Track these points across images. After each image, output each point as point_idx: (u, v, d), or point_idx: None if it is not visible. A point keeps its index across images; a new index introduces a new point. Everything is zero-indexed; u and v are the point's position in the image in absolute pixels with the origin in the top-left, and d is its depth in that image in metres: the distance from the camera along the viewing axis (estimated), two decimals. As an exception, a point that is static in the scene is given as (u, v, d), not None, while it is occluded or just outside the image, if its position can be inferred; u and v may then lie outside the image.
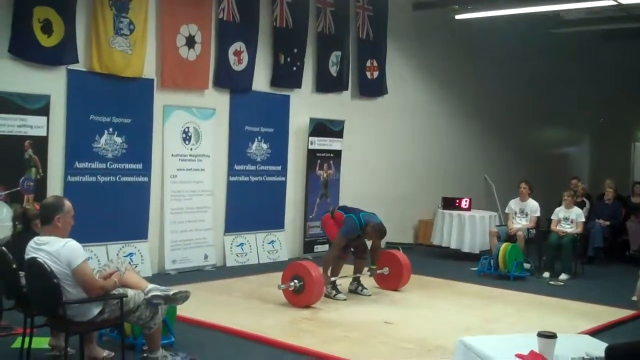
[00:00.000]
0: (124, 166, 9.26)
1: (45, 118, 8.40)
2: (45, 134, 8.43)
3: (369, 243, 8.79)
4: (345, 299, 8.32)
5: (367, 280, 8.93)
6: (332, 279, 8.35)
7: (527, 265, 10.59)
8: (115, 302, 5.14)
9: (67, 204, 5.21)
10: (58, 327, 5.33)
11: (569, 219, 10.85)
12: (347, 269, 8.81)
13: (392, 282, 9.05)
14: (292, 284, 7.80)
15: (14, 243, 5.70)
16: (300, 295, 7.81)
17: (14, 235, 5.96)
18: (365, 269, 8.81)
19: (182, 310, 6.31)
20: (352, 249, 8.70)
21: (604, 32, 15.08)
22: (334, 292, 8.34)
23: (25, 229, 5.84)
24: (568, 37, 14.96)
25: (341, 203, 11.76)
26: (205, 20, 10.05)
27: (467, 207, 12.40)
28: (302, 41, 11.35)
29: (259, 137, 10.94)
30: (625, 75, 17.82)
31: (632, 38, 15.73)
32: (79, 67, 8.78)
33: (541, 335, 4.37)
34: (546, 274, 10.52)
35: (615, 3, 11.20)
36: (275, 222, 11.22)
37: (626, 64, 17.64)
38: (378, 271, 8.91)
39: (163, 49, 9.62)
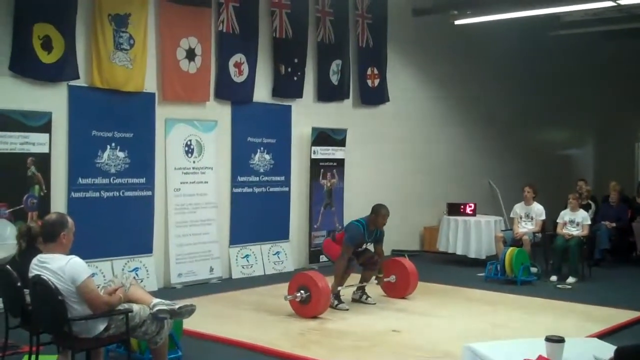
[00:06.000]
0: (127, 181, 9.26)
1: (47, 135, 8.41)
2: (47, 151, 8.44)
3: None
4: (347, 309, 8.28)
5: (373, 288, 8.90)
6: (338, 288, 8.32)
7: (534, 270, 10.52)
8: (120, 317, 5.11)
9: (70, 220, 5.22)
10: (64, 344, 5.30)
11: (575, 221, 10.81)
12: (354, 278, 8.79)
13: (399, 289, 9.01)
14: (299, 294, 7.78)
15: (19, 261, 5.69)
16: (307, 306, 7.79)
17: (19, 253, 5.95)
18: (372, 277, 8.79)
19: (189, 324, 6.29)
20: (360, 264, 8.68)
21: (604, 32, 15.06)
22: (336, 302, 8.29)
23: (29, 246, 5.83)
24: (569, 39, 14.94)
25: (345, 211, 11.80)
26: (205, 33, 10.06)
27: (472, 212, 12.37)
28: (302, 51, 11.36)
29: (262, 148, 10.93)
30: (627, 74, 17.77)
31: (633, 38, 15.70)
32: (80, 83, 8.79)
33: (549, 339, 4.34)
34: (553, 278, 10.47)
35: (614, 4, 11.20)
36: (280, 232, 11.20)
37: (627, 63, 17.60)
38: (385, 279, 8.89)
39: (163, 63, 9.63)
